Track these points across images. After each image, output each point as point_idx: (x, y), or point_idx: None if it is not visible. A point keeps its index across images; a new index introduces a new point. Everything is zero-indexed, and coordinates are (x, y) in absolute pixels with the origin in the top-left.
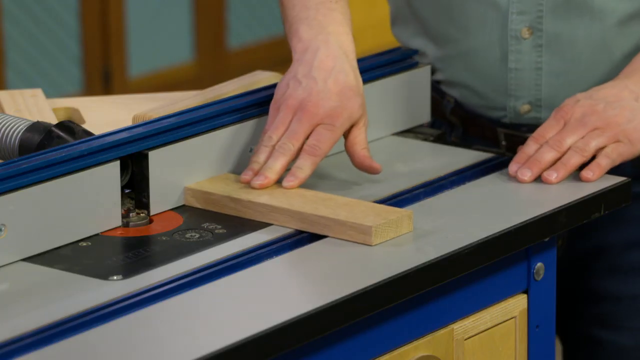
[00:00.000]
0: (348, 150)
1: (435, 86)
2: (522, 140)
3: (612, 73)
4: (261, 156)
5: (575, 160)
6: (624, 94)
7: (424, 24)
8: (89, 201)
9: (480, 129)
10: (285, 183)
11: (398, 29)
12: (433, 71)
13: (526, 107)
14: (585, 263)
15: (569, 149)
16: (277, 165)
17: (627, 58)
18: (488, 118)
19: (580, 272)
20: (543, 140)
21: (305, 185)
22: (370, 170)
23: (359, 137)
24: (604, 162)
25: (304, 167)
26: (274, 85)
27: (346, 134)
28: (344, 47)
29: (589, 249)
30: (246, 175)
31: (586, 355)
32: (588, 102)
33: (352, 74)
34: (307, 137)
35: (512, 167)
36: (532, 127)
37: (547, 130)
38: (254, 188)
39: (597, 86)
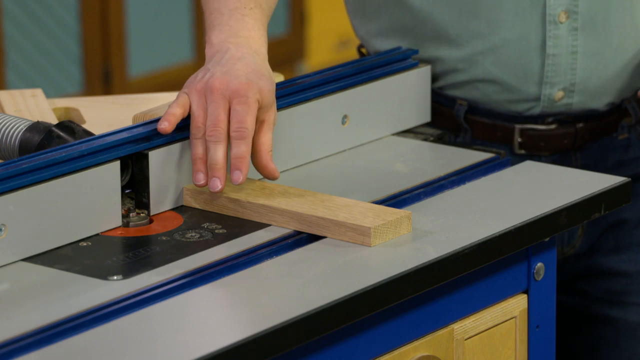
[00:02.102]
0: (253, 147)
1: (441, 93)
2: (539, 136)
3: (638, 50)
4: (199, 149)
5: None
6: None
7: (437, 28)
8: (89, 201)
9: (491, 129)
10: (233, 180)
11: (387, 42)
12: (439, 77)
13: (560, 94)
14: (597, 241)
15: None
16: (218, 157)
17: None
18: (507, 115)
19: (590, 251)
20: None
21: (304, 186)
22: (271, 175)
23: (265, 136)
24: None
25: (242, 155)
26: None
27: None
28: (254, 47)
29: (604, 227)
30: (200, 180)
31: (594, 335)
32: None
33: (264, 66)
34: (228, 115)
35: None
36: (561, 114)
37: None
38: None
39: None
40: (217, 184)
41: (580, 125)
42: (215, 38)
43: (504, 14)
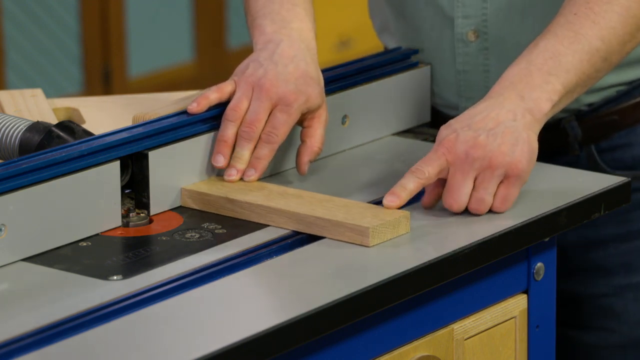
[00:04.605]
0: (302, 138)
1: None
2: None
3: None
4: (227, 132)
5: (481, 211)
6: (501, 116)
7: (385, 21)
8: (89, 201)
9: None
10: (246, 178)
11: (383, 38)
12: None
13: None
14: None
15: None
16: (244, 153)
17: None
18: (448, 117)
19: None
20: (423, 176)
21: (304, 186)
22: (299, 167)
23: (318, 130)
24: (504, 208)
25: (262, 157)
26: None
27: (306, 124)
28: (306, 41)
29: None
30: (219, 162)
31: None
32: (470, 135)
33: (313, 66)
34: (268, 116)
35: (387, 199)
36: None
37: (428, 165)
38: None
39: (472, 109)
40: (233, 173)
41: None
42: (268, 27)
43: (424, 23)
